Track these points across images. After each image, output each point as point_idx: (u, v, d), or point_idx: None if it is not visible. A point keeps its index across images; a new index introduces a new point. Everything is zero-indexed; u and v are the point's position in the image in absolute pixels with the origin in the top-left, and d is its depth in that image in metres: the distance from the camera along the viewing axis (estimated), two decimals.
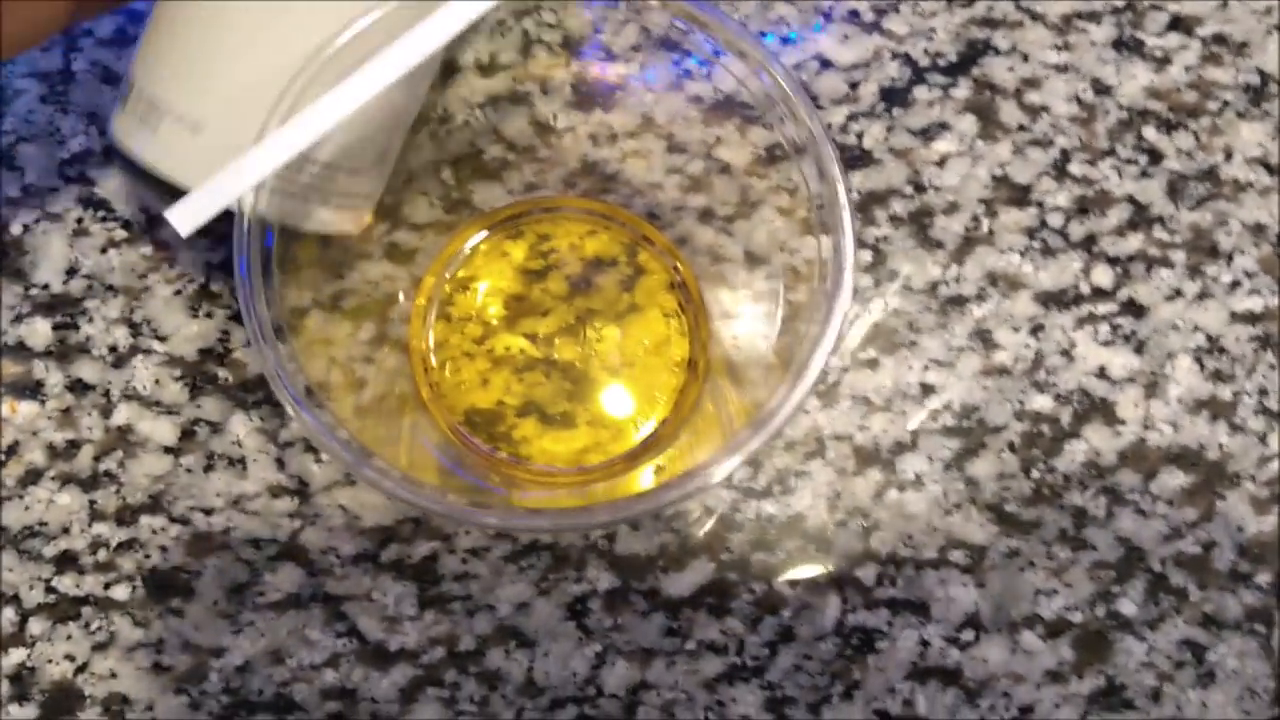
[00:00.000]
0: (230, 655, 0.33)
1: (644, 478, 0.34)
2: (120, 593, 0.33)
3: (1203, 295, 0.36)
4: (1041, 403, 0.35)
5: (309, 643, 0.33)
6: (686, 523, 0.34)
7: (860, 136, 0.37)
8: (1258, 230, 0.36)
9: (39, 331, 0.35)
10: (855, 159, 0.37)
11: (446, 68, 0.35)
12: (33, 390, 0.34)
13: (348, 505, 0.34)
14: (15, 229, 0.36)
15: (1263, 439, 0.35)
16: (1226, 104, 0.37)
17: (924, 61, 0.37)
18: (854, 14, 0.38)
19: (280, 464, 0.34)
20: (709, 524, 0.34)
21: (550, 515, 0.28)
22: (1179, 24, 0.38)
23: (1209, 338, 0.36)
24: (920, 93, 0.37)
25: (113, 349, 0.35)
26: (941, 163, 0.37)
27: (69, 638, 0.33)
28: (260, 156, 0.26)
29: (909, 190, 0.36)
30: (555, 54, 0.36)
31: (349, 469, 0.27)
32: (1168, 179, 0.37)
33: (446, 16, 0.27)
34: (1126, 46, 0.38)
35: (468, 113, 0.36)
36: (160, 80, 0.30)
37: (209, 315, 0.35)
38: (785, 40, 0.38)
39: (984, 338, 0.36)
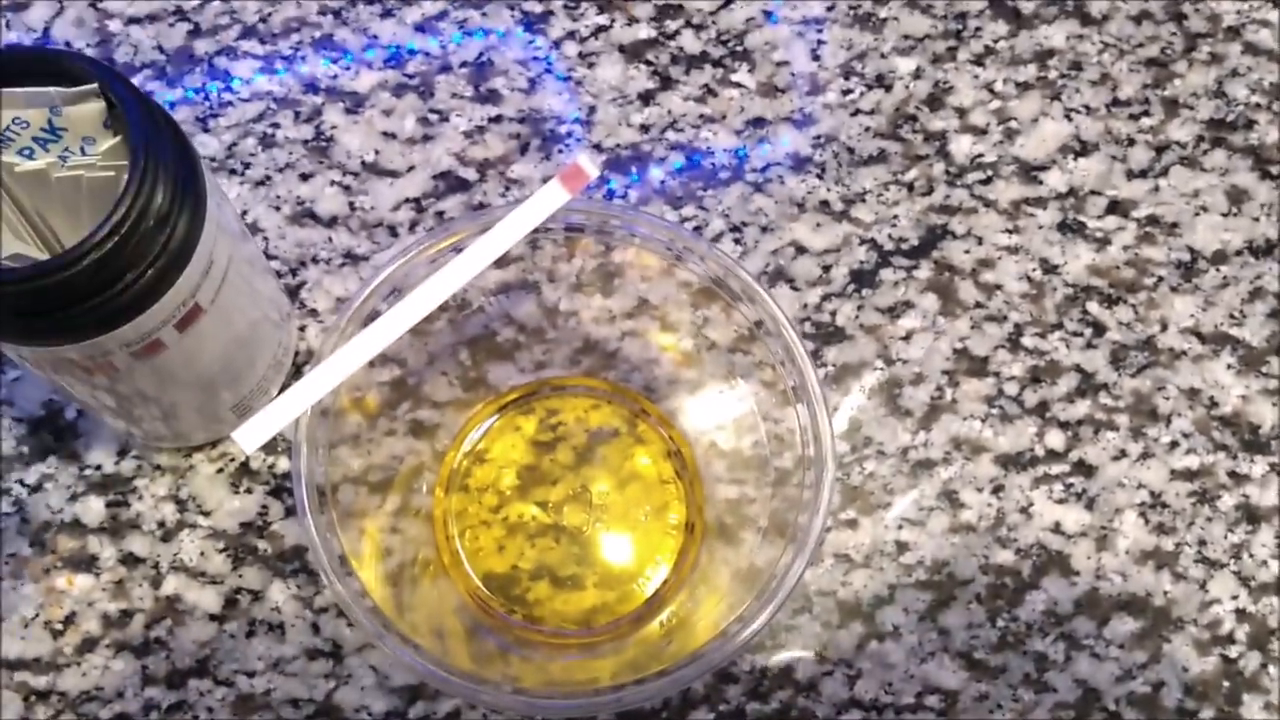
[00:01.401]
0: None
1: (648, 635, 0.38)
2: None
3: (1145, 455, 0.40)
4: (1004, 557, 0.39)
5: None
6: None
7: (834, 315, 0.41)
8: (1192, 394, 0.41)
9: (93, 509, 0.38)
10: (830, 335, 0.41)
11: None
12: (88, 564, 0.38)
13: (378, 665, 0.37)
14: (69, 414, 0.39)
15: (1203, 585, 0.39)
16: (1161, 279, 0.42)
17: (889, 246, 0.42)
18: (825, 204, 0.42)
19: (315, 629, 0.37)
20: (707, 677, 0.38)
21: (552, 704, 0.32)
22: (1117, 207, 0.42)
23: (1152, 494, 0.40)
24: (886, 274, 0.41)
25: (161, 524, 0.38)
26: (907, 338, 0.41)
27: None
28: (316, 381, 0.30)
29: (879, 364, 0.41)
30: (559, 246, 0.40)
31: (371, 639, 0.31)
32: (1111, 349, 0.41)
33: (486, 244, 0.31)
34: (1070, 229, 0.42)
35: (483, 299, 0.40)
36: None
37: (249, 491, 0.38)
38: (765, 229, 0.42)
39: (951, 498, 0.39)
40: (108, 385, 0.33)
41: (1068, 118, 0.43)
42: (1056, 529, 0.39)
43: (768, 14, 0.44)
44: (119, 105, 0.29)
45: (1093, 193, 0.42)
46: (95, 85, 0.29)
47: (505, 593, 0.38)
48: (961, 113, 0.43)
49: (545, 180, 0.33)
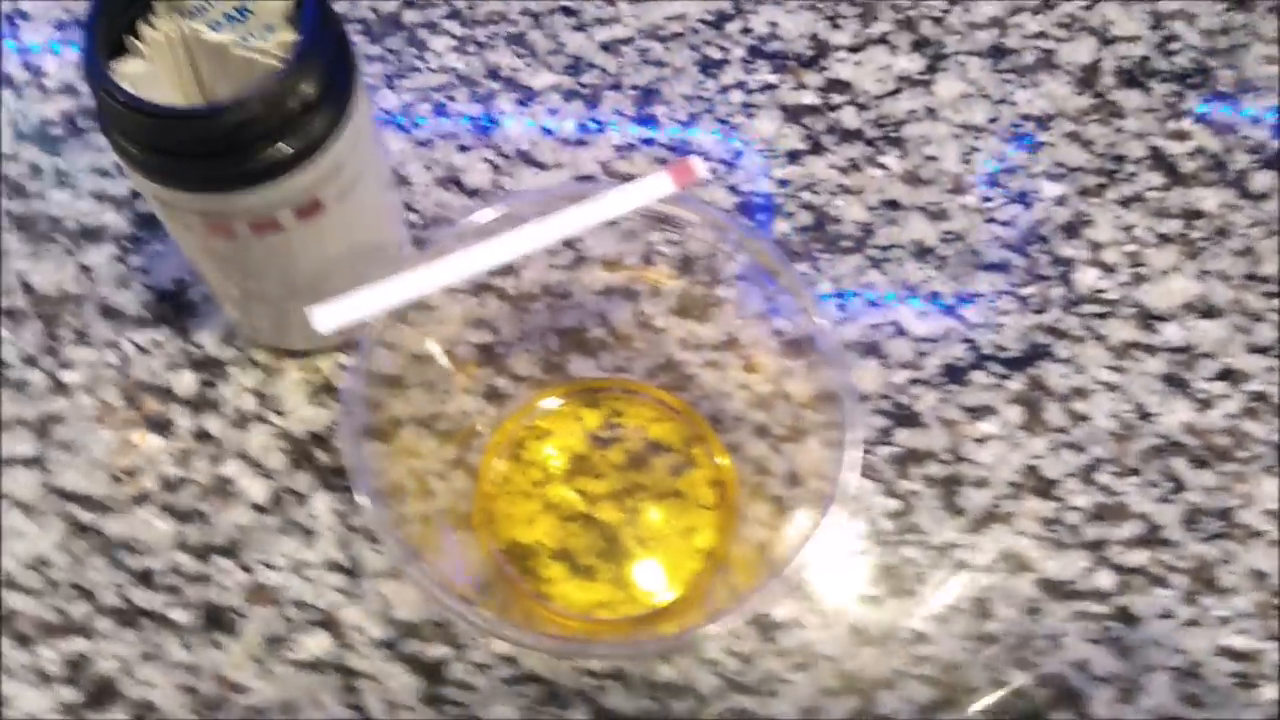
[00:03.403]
0: (250, 696, 0.37)
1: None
2: (179, 616, 0.38)
3: (1193, 622, 0.39)
4: (1021, 679, 0.38)
5: (319, 705, 0.37)
6: (670, 695, 0.38)
7: (915, 399, 0.41)
8: (1259, 577, 0.39)
9: (185, 382, 0.41)
10: (906, 417, 0.41)
11: (578, 257, 0.41)
12: (164, 428, 0.41)
13: (388, 595, 0.39)
14: (193, 295, 0.42)
15: None
16: (1256, 456, 0.40)
17: (988, 350, 0.42)
18: (935, 295, 0.42)
19: (343, 545, 0.39)
20: (691, 702, 0.38)
21: (553, 639, 0.33)
22: (1229, 375, 0.42)
23: (1191, 662, 0.38)
24: (978, 376, 0.41)
25: (238, 411, 0.41)
26: (982, 440, 0.41)
27: (125, 641, 0.38)
28: (400, 286, 0.32)
29: (947, 457, 0.40)
30: (672, 267, 0.42)
31: (398, 563, 0.32)
32: (1186, 509, 0.40)
33: (587, 211, 0.33)
34: (1175, 383, 0.41)
35: (585, 295, 0.41)
36: None
37: (325, 406, 0.41)
38: (872, 304, 0.43)
39: (982, 605, 0.39)
40: (230, 260, 0.36)
41: (1200, 278, 0.43)
42: (1082, 667, 0.38)
43: (930, 110, 0.45)
44: (301, 1, 0.32)
45: (1206, 355, 0.42)
46: None
47: (523, 564, 0.39)
48: (1095, 246, 0.43)
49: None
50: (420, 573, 0.32)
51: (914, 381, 0.42)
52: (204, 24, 0.33)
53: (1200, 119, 0.45)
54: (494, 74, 0.46)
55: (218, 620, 0.38)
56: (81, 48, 0.31)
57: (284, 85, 0.31)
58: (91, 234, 0.43)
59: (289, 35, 0.33)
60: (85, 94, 0.45)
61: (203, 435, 0.41)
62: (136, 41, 0.33)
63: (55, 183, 0.44)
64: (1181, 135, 0.45)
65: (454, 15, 0.47)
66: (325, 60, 0.32)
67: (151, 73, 0.33)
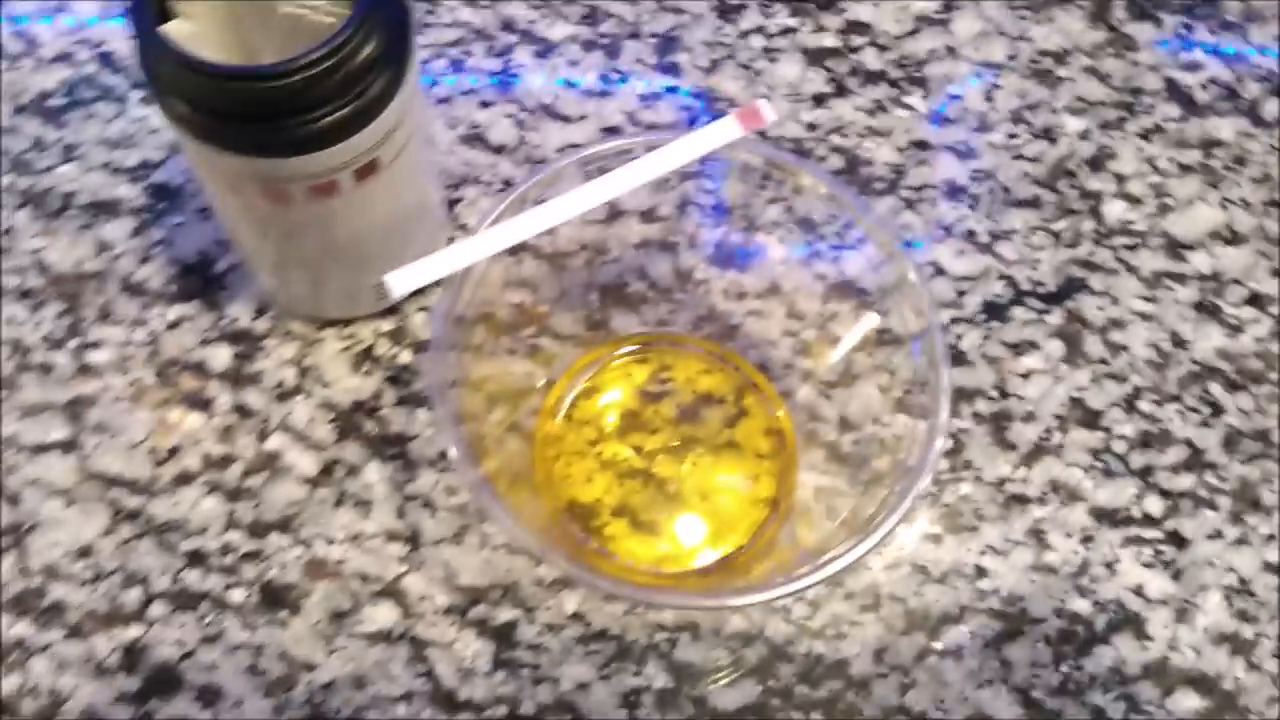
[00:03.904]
0: (319, 672, 0.37)
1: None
2: (236, 596, 0.37)
3: (1241, 541, 0.40)
4: (1081, 605, 0.39)
5: (390, 676, 0.37)
6: (742, 644, 0.38)
7: (959, 339, 0.42)
8: None
9: (220, 356, 0.40)
10: (952, 357, 0.41)
11: (612, 210, 0.40)
12: (203, 405, 0.39)
13: (450, 561, 0.38)
14: (220, 266, 0.41)
15: (1276, 680, 0.38)
16: None
17: (1026, 286, 0.42)
18: (971, 233, 0.43)
19: (400, 513, 0.38)
20: (764, 650, 0.38)
21: (627, 586, 0.32)
22: (1256, 300, 0.42)
23: (1241, 579, 0.39)
24: (1018, 312, 0.42)
25: (279, 384, 0.40)
26: (1027, 376, 0.41)
27: (183, 626, 0.37)
28: (471, 246, 0.31)
29: (994, 394, 0.41)
30: (706, 216, 0.41)
31: (485, 506, 0.31)
32: (1225, 432, 0.41)
33: (665, 155, 0.32)
34: (1206, 310, 0.42)
35: (622, 250, 0.41)
36: None
37: (368, 374, 0.40)
38: (908, 244, 0.43)
39: (1039, 537, 0.39)
40: (279, 228, 0.34)
41: (1223, 206, 0.44)
42: (1138, 591, 0.39)
43: (950, 49, 0.45)
44: None
45: (1235, 281, 0.43)
46: None
47: (585, 522, 0.38)
48: (1120, 179, 0.44)
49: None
50: (506, 516, 0.32)
51: (956, 320, 0.42)
52: None
53: (1212, 50, 0.46)
54: (509, 26, 0.45)
55: (278, 598, 0.37)
56: (130, 11, 0.30)
57: (348, 43, 0.30)
58: (106, 208, 0.41)
59: None
60: (84, 62, 0.43)
61: (244, 410, 0.39)
62: (179, 2, 0.31)
63: (62, 157, 0.42)
64: (1194, 66, 0.46)
65: None
66: (386, 16, 0.31)
67: (197, 33, 0.32)
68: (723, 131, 0.33)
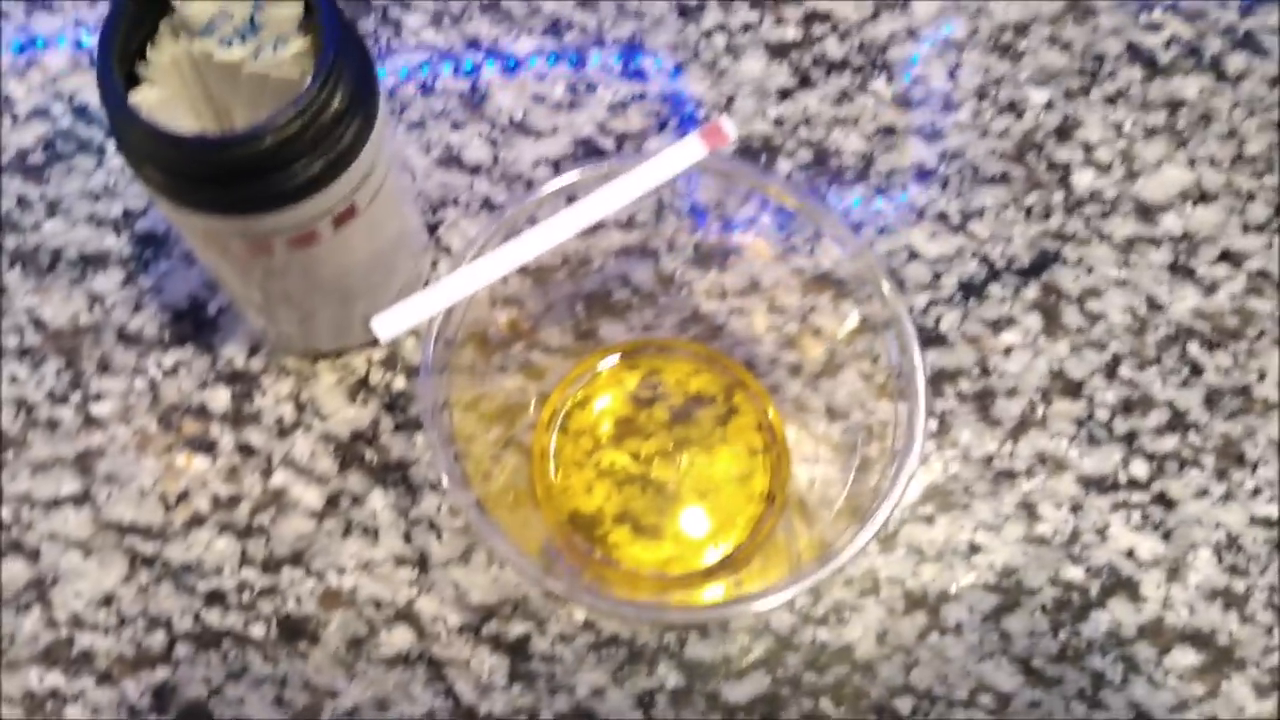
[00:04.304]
0: (342, 699, 0.38)
1: (715, 592, 0.39)
2: (257, 631, 0.39)
3: (1227, 497, 0.41)
4: (1074, 573, 0.40)
5: (411, 697, 0.38)
6: (749, 637, 0.39)
7: (938, 320, 0.42)
8: None
9: (219, 398, 0.41)
10: (931, 339, 0.42)
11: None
12: (207, 448, 0.40)
13: (459, 581, 0.39)
14: (211, 310, 0.42)
15: (1269, 631, 0.39)
16: (1263, 332, 0.42)
17: (1000, 263, 0.43)
18: (943, 215, 0.43)
19: (407, 538, 0.39)
20: (770, 642, 0.39)
21: (631, 606, 0.34)
22: (1229, 257, 0.43)
23: (1229, 535, 0.40)
24: (994, 289, 0.43)
25: (279, 421, 0.41)
26: (1007, 352, 0.42)
27: (208, 664, 0.38)
28: (454, 283, 0.32)
29: (976, 372, 0.42)
30: (682, 219, 0.42)
31: (482, 538, 0.32)
32: (1205, 391, 0.42)
33: (632, 180, 0.33)
34: (1180, 271, 0.43)
35: (604, 259, 0.42)
36: None
37: (364, 403, 0.41)
38: (881, 231, 0.43)
39: (1029, 509, 0.40)
40: (261, 274, 0.35)
41: (1191, 166, 0.44)
42: (1129, 554, 0.40)
43: (911, 31, 0.46)
44: (316, 10, 0.32)
45: (1206, 240, 0.43)
46: None
47: (588, 532, 0.40)
48: (1088, 148, 0.44)
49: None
50: (504, 546, 0.33)
51: (933, 303, 0.43)
52: (214, 41, 0.32)
53: (1171, 7, 0.46)
54: (474, 45, 0.45)
55: (297, 630, 0.39)
56: (100, 83, 0.30)
57: (316, 100, 0.30)
58: (95, 260, 0.42)
59: (300, 44, 0.32)
60: (59, 116, 0.44)
61: (246, 449, 0.40)
62: (145, 69, 0.32)
63: (47, 213, 0.43)
64: (1155, 26, 0.46)
65: None
66: (351, 69, 0.31)
67: (165, 98, 0.32)
68: (688, 152, 0.34)
